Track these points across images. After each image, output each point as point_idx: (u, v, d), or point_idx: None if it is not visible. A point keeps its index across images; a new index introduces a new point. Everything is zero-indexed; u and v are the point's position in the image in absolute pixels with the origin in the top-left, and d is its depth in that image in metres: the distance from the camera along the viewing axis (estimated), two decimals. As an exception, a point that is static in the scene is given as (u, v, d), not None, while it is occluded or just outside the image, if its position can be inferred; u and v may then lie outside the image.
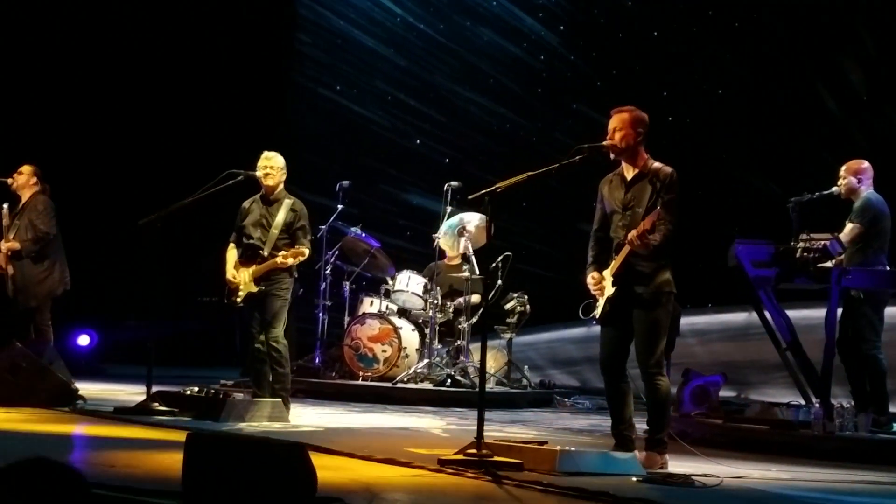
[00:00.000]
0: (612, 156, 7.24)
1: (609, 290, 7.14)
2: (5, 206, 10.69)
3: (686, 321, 9.90)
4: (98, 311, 14.85)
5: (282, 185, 9.49)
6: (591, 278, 7.25)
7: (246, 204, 9.55)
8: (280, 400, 9.15)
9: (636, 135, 7.17)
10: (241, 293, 9.31)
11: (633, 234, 6.90)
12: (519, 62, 16.63)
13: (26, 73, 15.94)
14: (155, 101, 16.52)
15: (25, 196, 10.81)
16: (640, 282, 7.04)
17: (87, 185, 15.60)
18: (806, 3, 13.94)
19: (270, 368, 9.42)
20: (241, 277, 9.31)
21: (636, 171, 7.21)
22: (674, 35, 15.17)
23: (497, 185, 7.09)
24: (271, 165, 9.40)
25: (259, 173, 9.41)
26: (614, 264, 7.11)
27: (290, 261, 9.16)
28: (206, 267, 10.82)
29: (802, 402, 8.90)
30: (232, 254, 9.48)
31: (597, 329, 7.39)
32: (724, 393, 9.71)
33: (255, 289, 9.23)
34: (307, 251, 9.35)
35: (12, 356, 9.38)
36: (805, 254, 8.54)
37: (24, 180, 10.83)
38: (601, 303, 7.19)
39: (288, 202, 9.41)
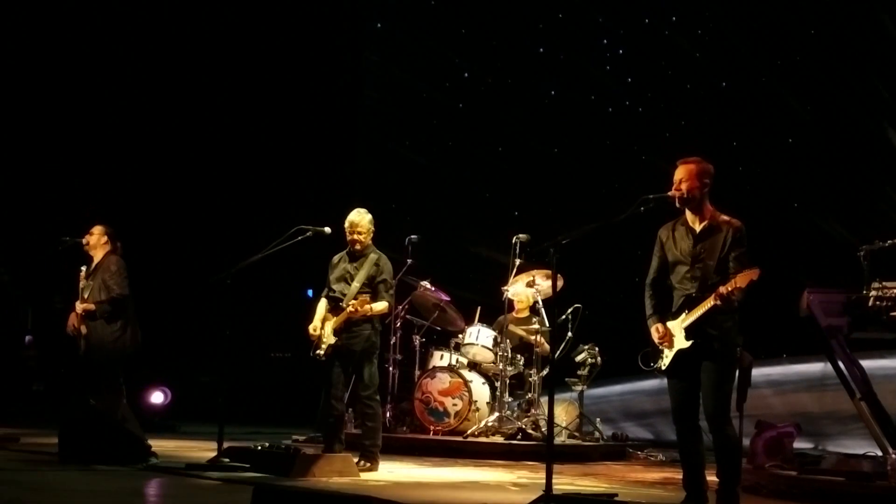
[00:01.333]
0: (678, 206, 7.22)
1: (682, 343, 7.07)
2: (83, 269, 10.83)
3: (760, 372, 9.80)
4: (171, 369, 14.99)
5: (368, 242, 9.60)
6: (655, 330, 7.20)
7: (334, 259, 9.71)
8: (349, 455, 9.19)
9: (702, 185, 7.14)
10: (322, 346, 9.37)
11: (724, 290, 6.83)
12: (587, 113, 16.64)
13: (100, 132, 16.24)
14: (227, 158, 16.75)
15: (98, 256, 10.94)
16: (713, 335, 6.98)
17: (160, 242, 15.81)
18: (873, 48, 13.82)
19: (362, 424, 9.52)
20: (325, 330, 9.39)
21: (704, 222, 7.17)
22: (742, 84, 15.11)
23: (563, 237, 7.09)
24: (358, 229, 9.51)
25: (347, 233, 9.52)
26: (688, 317, 7.05)
27: (360, 309, 9.22)
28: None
29: (879, 453, 8.72)
30: (320, 307, 9.59)
31: (669, 382, 7.34)
32: (800, 444, 9.55)
33: (333, 340, 9.32)
34: (385, 305, 9.43)
35: (86, 414, 9.49)
36: (878, 302, 8.41)
37: (96, 240, 10.95)
38: (668, 354, 7.13)
39: (373, 257, 9.52)
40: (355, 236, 9.52)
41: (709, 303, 6.93)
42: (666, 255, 7.29)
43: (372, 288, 9.45)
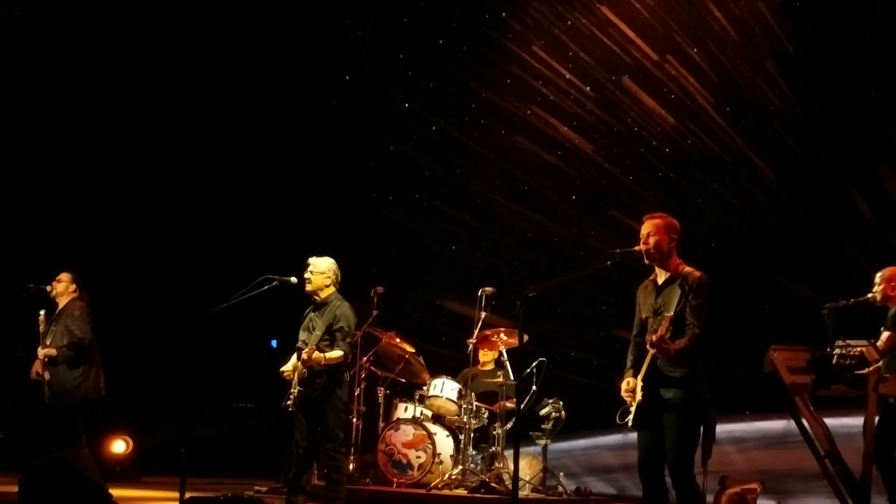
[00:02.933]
0: (645, 261, 7.29)
1: (639, 394, 7.13)
2: (42, 312, 10.79)
3: (723, 428, 9.79)
4: (133, 418, 14.86)
5: (330, 290, 9.60)
6: (624, 383, 7.25)
7: (307, 311, 9.70)
8: (313, 505, 9.14)
9: (669, 240, 7.24)
10: (290, 396, 9.33)
11: (650, 338, 6.93)
12: (553, 169, 16.73)
13: (65, 180, 16.18)
14: (194, 207, 16.72)
15: (63, 302, 10.92)
16: (669, 387, 7.03)
17: (124, 290, 15.72)
18: (839, 111, 14.01)
19: (326, 476, 9.47)
20: (293, 381, 9.36)
21: (667, 275, 7.25)
22: (707, 142, 15.25)
23: (528, 290, 7.12)
24: (311, 270, 9.55)
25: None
26: (641, 372, 7.12)
27: (313, 358, 9.19)
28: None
29: (842, 511, 8.76)
30: (293, 358, 9.56)
31: (633, 437, 7.37)
32: (763, 502, 9.57)
33: (296, 391, 9.28)
34: (339, 353, 9.38)
35: (47, 463, 9.39)
36: (841, 360, 8.50)
37: (63, 287, 10.94)
38: (633, 408, 7.17)
39: (335, 304, 9.52)
40: (306, 274, 9.53)
41: (651, 353, 7.01)
42: (641, 311, 7.37)
43: (330, 336, 9.45)
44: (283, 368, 9.48)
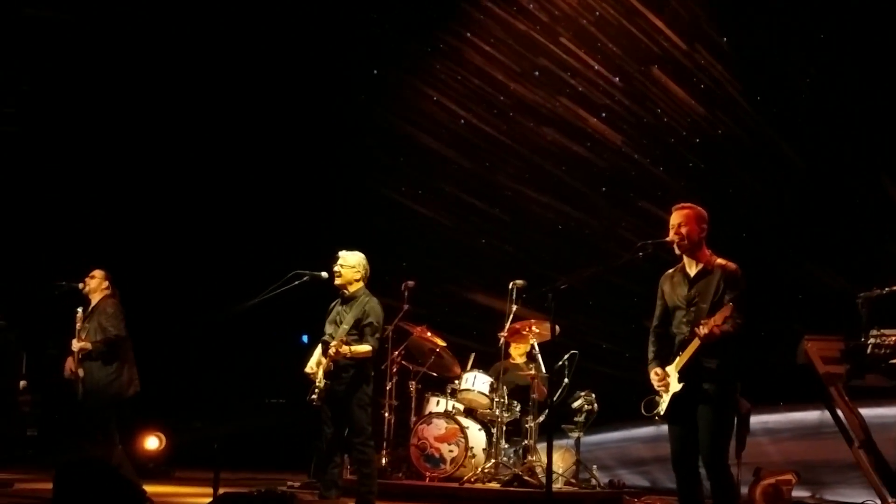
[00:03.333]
0: (676, 251, 7.25)
1: (675, 386, 7.09)
2: (79, 310, 10.84)
3: (757, 419, 9.78)
4: (165, 414, 14.91)
5: (359, 284, 9.59)
6: (654, 374, 7.22)
7: (332, 304, 9.70)
8: (346, 500, 9.13)
9: (700, 230, 7.21)
10: (315, 390, 9.32)
11: (703, 328, 6.86)
12: (583, 161, 16.68)
13: (100, 178, 16.26)
14: (226, 203, 16.77)
15: (96, 300, 10.96)
16: (706, 378, 7.00)
17: (159, 289, 15.78)
18: (869, 98, 13.89)
19: (357, 471, 9.48)
20: (318, 374, 9.35)
21: (700, 266, 7.22)
22: (737, 131, 15.16)
23: (560, 282, 7.10)
24: (341, 264, 9.55)
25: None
26: (680, 360, 7.08)
27: (341, 351, 9.18)
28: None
29: (878, 502, 8.69)
30: (317, 351, 9.56)
31: (666, 429, 7.32)
32: (798, 493, 9.53)
33: (323, 384, 9.27)
34: (368, 348, 9.37)
35: (81, 460, 9.43)
36: (876, 350, 8.43)
37: (96, 284, 10.99)
38: (665, 399, 7.13)
39: (363, 300, 9.52)
40: (336, 267, 9.53)
41: (694, 344, 6.96)
42: (666, 302, 7.32)
43: (359, 331, 9.44)
44: (307, 368, 9.46)
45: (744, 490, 8.89)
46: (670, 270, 7.41)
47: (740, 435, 8.41)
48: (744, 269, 7.18)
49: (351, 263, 9.58)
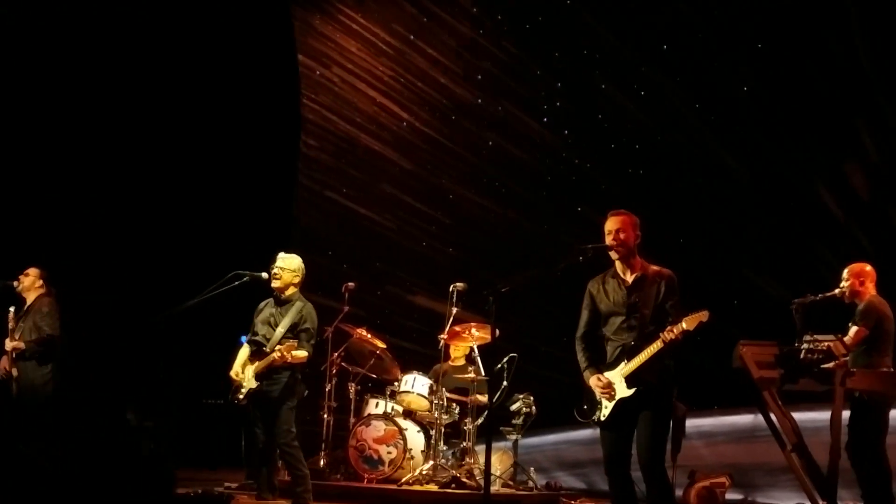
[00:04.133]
0: (613, 256, 7.32)
1: (624, 391, 7.15)
2: (11, 309, 10.75)
3: (692, 423, 9.88)
4: (100, 413, 14.77)
5: (295, 288, 9.59)
6: (596, 380, 7.26)
7: (261, 304, 9.72)
8: (283, 502, 9.12)
9: (635, 237, 7.31)
10: (242, 390, 9.33)
11: (670, 334, 6.93)
12: (524, 165, 16.76)
13: (36, 174, 16.09)
14: (163, 203, 16.66)
15: (31, 298, 10.88)
16: (652, 383, 7.07)
17: (92, 287, 15.64)
18: (807, 107, 14.09)
19: (289, 472, 9.46)
20: (245, 374, 9.35)
21: (636, 273, 7.30)
22: (677, 138, 15.31)
23: (500, 285, 7.14)
24: (281, 267, 9.55)
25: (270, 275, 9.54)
26: (628, 366, 7.14)
27: (286, 356, 9.19)
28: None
29: (809, 505, 8.83)
30: (242, 351, 9.57)
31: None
32: (731, 495, 9.64)
33: (254, 385, 9.27)
34: (305, 354, 9.39)
35: (16, 460, 9.35)
36: (809, 355, 8.56)
37: (30, 282, 10.91)
38: (608, 405, 7.19)
39: (299, 304, 9.52)
40: (275, 269, 9.53)
41: (653, 348, 7.03)
42: (598, 307, 7.40)
43: (295, 336, 9.44)
44: (232, 373, 9.45)
45: (679, 492, 8.99)
46: (599, 276, 7.48)
47: (676, 438, 8.50)
48: (681, 275, 7.29)
49: (292, 268, 9.59)
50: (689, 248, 13.83)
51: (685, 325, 6.91)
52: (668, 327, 6.99)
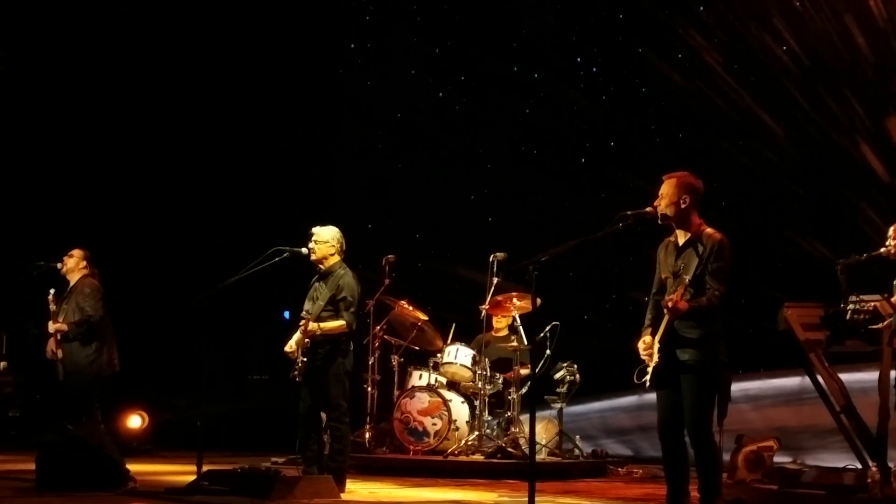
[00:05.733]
0: (658, 221, 7.23)
1: (655, 356, 7.10)
2: (52, 291, 10.79)
3: (738, 387, 9.81)
4: (148, 393, 14.89)
5: (335, 259, 9.53)
6: (641, 343, 7.21)
7: (312, 280, 9.67)
8: (331, 476, 9.11)
9: (681, 200, 7.14)
10: (296, 367, 9.29)
11: (666, 301, 6.89)
12: (561, 132, 16.66)
13: (77, 157, 16.18)
14: (203, 181, 16.72)
15: (74, 279, 10.92)
16: (685, 348, 7.00)
17: (138, 266, 15.74)
18: (847, 66, 13.92)
19: (329, 446, 9.45)
20: (297, 351, 9.32)
21: (688, 236, 7.19)
22: (718, 101, 15.16)
23: (541, 255, 7.08)
24: (315, 240, 9.50)
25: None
26: (659, 331, 7.09)
27: (309, 328, 9.15)
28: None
29: (859, 466, 8.74)
30: (296, 333, 9.50)
31: (648, 398, 7.35)
32: (779, 458, 9.56)
33: (302, 360, 9.24)
34: (342, 323, 9.31)
35: (63, 440, 9.43)
36: (855, 316, 8.46)
37: (74, 264, 10.94)
38: (649, 369, 7.15)
39: (339, 274, 9.46)
40: (310, 244, 9.48)
41: (666, 315, 6.98)
42: (661, 270, 7.33)
43: (334, 306, 9.41)
44: (286, 347, 9.43)
45: (726, 457, 8.92)
46: (666, 239, 7.39)
47: (722, 403, 8.40)
48: (729, 239, 7.17)
49: (324, 238, 9.53)
50: (731, 210, 13.67)
51: (675, 295, 6.86)
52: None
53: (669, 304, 6.89)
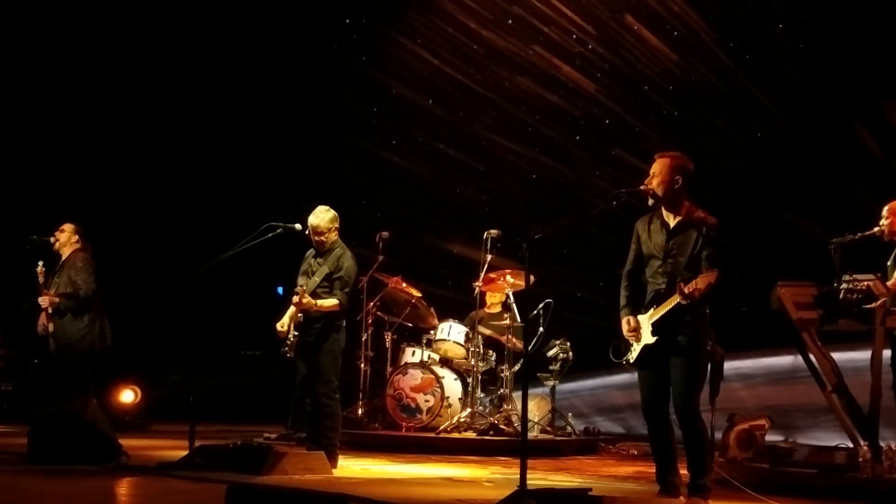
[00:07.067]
0: (650, 201, 7.22)
1: (648, 338, 7.10)
2: (40, 263, 10.76)
3: (730, 365, 9.80)
4: (141, 367, 14.88)
5: (333, 238, 9.51)
6: (625, 323, 7.21)
7: (306, 255, 9.64)
8: (323, 452, 9.12)
9: (673, 181, 7.13)
10: (287, 342, 9.29)
11: (687, 290, 6.82)
12: (556, 110, 16.63)
13: (70, 132, 16.14)
14: (197, 156, 16.68)
15: (66, 253, 10.89)
16: (681, 331, 7.00)
17: (130, 241, 15.72)
18: (843, 45, 13.88)
19: (320, 422, 9.44)
20: (290, 326, 9.32)
21: (679, 218, 7.17)
22: (712, 79, 15.13)
23: (534, 232, 7.07)
24: (318, 230, 9.41)
25: (310, 235, 9.47)
26: (655, 313, 7.08)
27: (305, 302, 9.14)
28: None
29: (850, 445, 8.75)
30: (289, 310, 9.48)
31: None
32: (771, 437, 9.58)
33: (294, 335, 9.24)
34: (336, 301, 9.32)
35: (56, 414, 9.43)
36: (848, 295, 8.46)
37: (66, 238, 10.91)
38: (636, 348, 7.15)
39: (337, 252, 9.45)
40: (316, 238, 9.45)
41: (673, 301, 6.95)
42: (641, 247, 7.30)
43: (329, 283, 9.39)
44: (278, 325, 9.41)
45: (718, 436, 8.94)
46: (647, 216, 7.34)
47: (714, 381, 8.43)
48: (717, 216, 7.16)
49: (326, 227, 9.46)
50: (725, 189, 13.67)
51: (698, 283, 6.82)
52: (683, 284, 6.88)
53: (688, 291, 6.83)
